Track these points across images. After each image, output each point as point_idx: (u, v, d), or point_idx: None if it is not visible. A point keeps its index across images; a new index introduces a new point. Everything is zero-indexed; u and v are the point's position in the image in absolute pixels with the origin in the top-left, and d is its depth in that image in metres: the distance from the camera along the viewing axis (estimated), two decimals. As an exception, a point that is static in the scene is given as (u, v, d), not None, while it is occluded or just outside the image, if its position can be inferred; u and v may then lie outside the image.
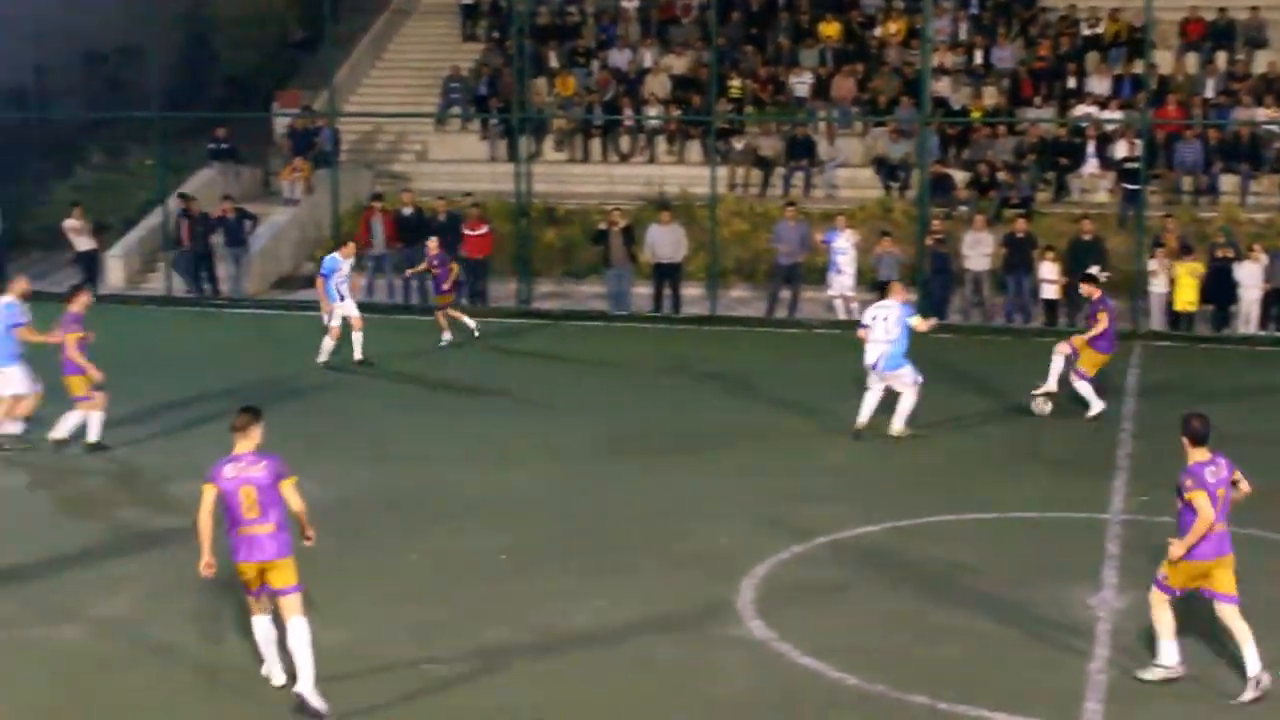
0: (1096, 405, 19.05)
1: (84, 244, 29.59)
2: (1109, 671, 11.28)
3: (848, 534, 14.56)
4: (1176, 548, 10.81)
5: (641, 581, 13.37)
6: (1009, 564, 13.66)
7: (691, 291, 27.87)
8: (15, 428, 17.76)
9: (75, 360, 17.22)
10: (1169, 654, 11.10)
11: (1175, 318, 25.36)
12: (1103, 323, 18.99)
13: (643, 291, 27.61)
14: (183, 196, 29.57)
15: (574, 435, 18.59)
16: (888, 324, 17.98)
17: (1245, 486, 11.19)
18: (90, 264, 29.63)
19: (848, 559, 13.92)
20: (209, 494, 10.75)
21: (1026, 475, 16.78)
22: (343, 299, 22.42)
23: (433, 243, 24.88)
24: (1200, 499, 10.74)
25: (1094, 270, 21.30)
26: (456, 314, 24.57)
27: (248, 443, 10.86)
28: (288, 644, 10.76)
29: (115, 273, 30.25)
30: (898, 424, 18.23)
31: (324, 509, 15.02)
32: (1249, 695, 10.81)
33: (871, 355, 18.13)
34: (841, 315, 26.03)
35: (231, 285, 29.02)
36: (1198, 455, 11.03)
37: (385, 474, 16.92)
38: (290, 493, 10.79)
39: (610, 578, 13.43)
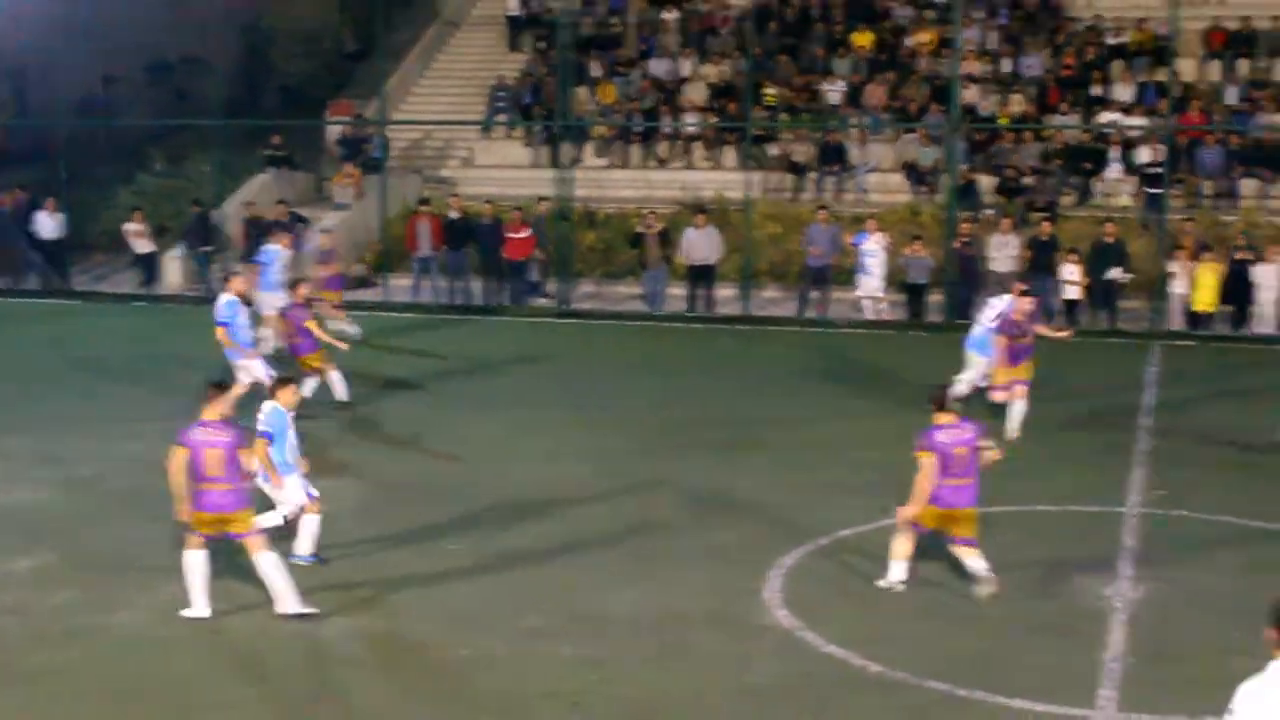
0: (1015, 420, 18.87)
1: (143, 246, 30.43)
2: (1123, 660, 11.51)
3: (874, 526, 14.65)
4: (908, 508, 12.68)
5: (675, 571, 13.66)
6: (1028, 556, 13.72)
7: (725, 292, 28.30)
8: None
9: (321, 339, 19.58)
10: (897, 572, 12.89)
11: (1194, 318, 25.69)
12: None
13: (677, 292, 28.05)
14: (197, 202, 30.58)
15: (611, 430, 18.97)
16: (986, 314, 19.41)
17: (992, 454, 12.78)
18: (149, 266, 30.56)
19: (873, 551, 13.94)
20: (179, 455, 11.94)
21: (1047, 471, 16.83)
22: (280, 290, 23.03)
23: (325, 239, 25.71)
24: (924, 459, 12.48)
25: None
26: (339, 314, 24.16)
27: (213, 412, 12.18)
28: (261, 575, 12.14)
29: (172, 274, 30.98)
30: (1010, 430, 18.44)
31: (368, 499, 15.71)
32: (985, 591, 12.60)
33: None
34: (869, 315, 26.71)
35: (285, 286, 29.99)
36: (940, 419, 12.63)
37: (427, 467, 17.30)
38: (247, 459, 12.22)
39: (645, 567, 13.74)
